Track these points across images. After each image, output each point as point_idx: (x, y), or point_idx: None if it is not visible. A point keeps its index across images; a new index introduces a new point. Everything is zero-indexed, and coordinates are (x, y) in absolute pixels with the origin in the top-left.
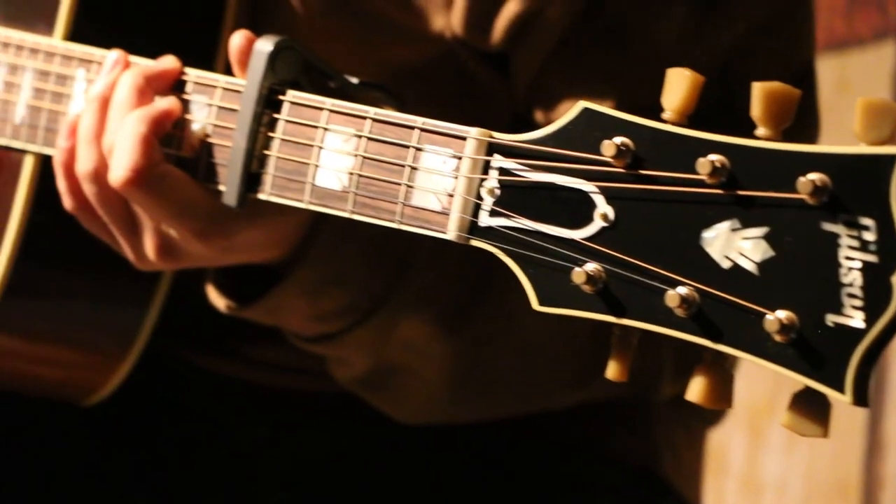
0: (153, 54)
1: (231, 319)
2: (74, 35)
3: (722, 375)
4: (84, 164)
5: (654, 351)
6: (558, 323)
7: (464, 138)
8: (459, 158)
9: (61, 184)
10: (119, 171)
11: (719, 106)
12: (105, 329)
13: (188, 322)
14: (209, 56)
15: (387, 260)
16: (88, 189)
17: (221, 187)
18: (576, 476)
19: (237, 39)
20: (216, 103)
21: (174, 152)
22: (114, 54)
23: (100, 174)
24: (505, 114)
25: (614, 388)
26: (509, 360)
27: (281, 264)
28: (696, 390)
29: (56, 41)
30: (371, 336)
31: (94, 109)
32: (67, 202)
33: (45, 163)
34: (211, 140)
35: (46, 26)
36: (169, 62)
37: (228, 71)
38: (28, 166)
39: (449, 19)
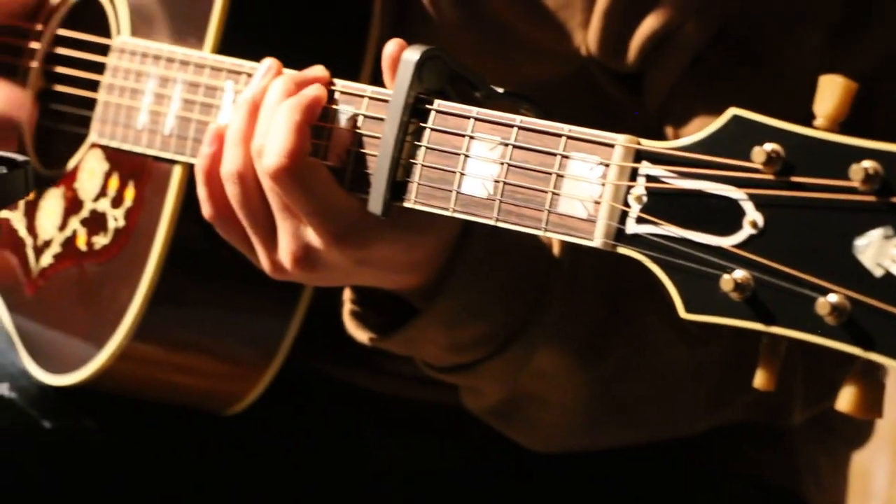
0: (300, 66)
1: None
2: (223, 48)
3: (873, 385)
4: (230, 165)
5: (787, 377)
6: (690, 350)
7: (611, 146)
8: (607, 166)
9: (201, 190)
10: (272, 158)
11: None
12: (249, 340)
13: (325, 334)
14: (355, 68)
15: (524, 292)
16: (231, 190)
17: (367, 195)
18: (716, 497)
19: (390, 47)
20: (363, 112)
21: (321, 161)
22: (267, 61)
23: (244, 175)
24: (636, 129)
25: (746, 413)
26: (643, 388)
27: (417, 296)
28: (846, 399)
29: (206, 54)
30: (506, 367)
31: (244, 112)
32: (206, 209)
33: (192, 173)
34: (358, 149)
35: (197, 40)
36: (318, 70)
37: (374, 82)
38: (176, 176)
39: (585, 39)
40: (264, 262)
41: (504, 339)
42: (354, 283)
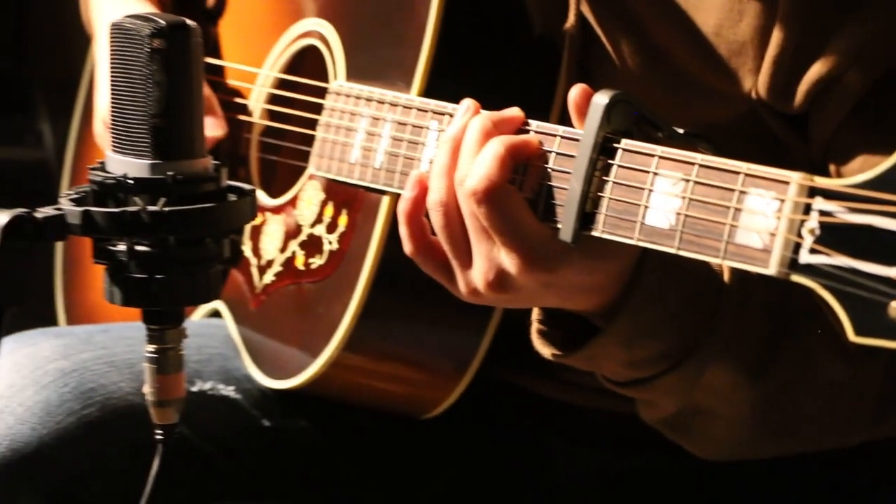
0: (497, 107)
1: None
2: (428, 91)
3: None
4: (435, 195)
5: None
6: (850, 368)
7: (787, 182)
8: (782, 201)
9: (403, 230)
10: (474, 181)
11: None
12: (446, 353)
13: (513, 348)
14: (546, 109)
15: (696, 313)
16: (435, 218)
17: (558, 225)
18: None
19: (575, 92)
20: (555, 150)
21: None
22: (466, 102)
23: (447, 204)
24: (801, 164)
25: None
26: (806, 404)
27: (598, 316)
28: None
29: (413, 97)
30: (679, 382)
31: (448, 149)
32: (408, 247)
33: (398, 202)
34: (550, 183)
35: (405, 84)
36: (514, 111)
37: (561, 121)
38: (385, 205)
39: (756, 83)
40: (461, 286)
41: (677, 357)
42: (541, 304)
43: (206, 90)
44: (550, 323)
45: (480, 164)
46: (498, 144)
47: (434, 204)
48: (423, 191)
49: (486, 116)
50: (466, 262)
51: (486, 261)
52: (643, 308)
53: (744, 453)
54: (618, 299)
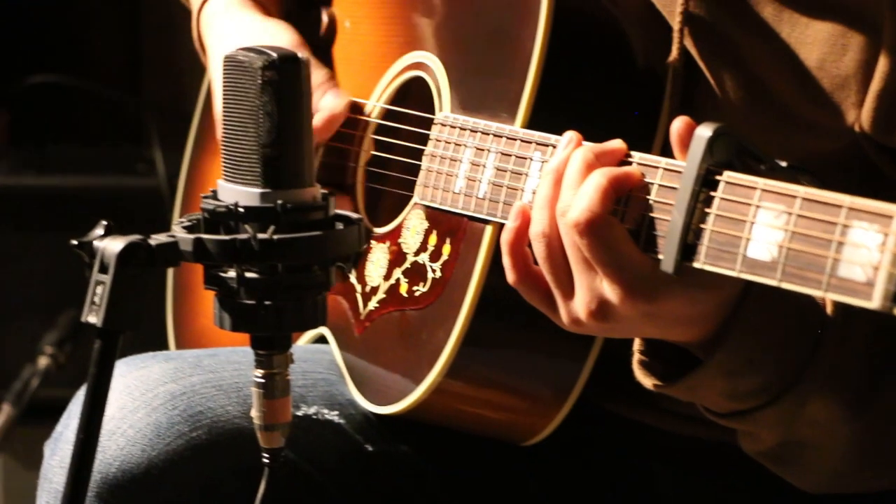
0: (600, 139)
1: None
2: (532, 123)
3: None
4: (537, 226)
5: None
6: None
7: (890, 216)
8: (886, 234)
9: (506, 260)
10: (577, 212)
11: None
12: (547, 380)
13: (614, 377)
14: (648, 140)
15: (797, 346)
16: (538, 248)
17: (660, 256)
18: None
19: (678, 124)
20: (657, 181)
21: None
22: (569, 134)
23: (549, 235)
24: None
25: None
26: None
27: (698, 348)
28: None
29: (517, 128)
30: (780, 415)
31: (550, 181)
32: (510, 276)
33: (501, 232)
34: (652, 214)
35: (508, 116)
36: (616, 143)
37: (663, 153)
38: (488, 235)
39: (859, 117)
40: (563, 316)
41: (778, 390)
42: (641, 335)
43: (322, 73)
44: (651, 353)
45: (583, 195)
46: (600, 176)
47: (536, 235)
48: (525, 221)
49: (589, 148)
50: (568, 292)
51: (588, 291)
52: (744, 340)
53: (847, 486)
54: (719, 331)
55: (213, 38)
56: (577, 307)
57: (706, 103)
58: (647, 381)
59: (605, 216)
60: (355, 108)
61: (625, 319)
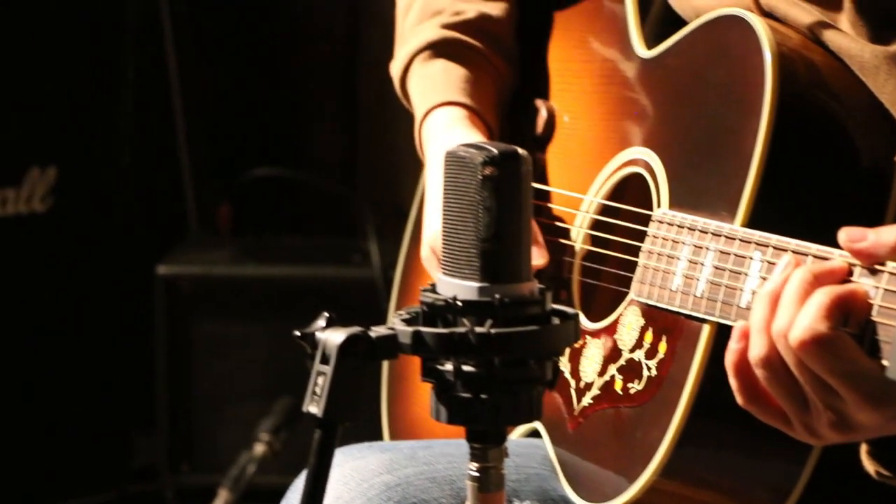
0: (823, 239)
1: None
2: (752, 221)
3: None
4: (756, 351)
5: None
6: None
7: None
8: None
9: (733, 382)
10: (800, 332)
11: None
12: (765, 481)
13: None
14: None
15: None
16: (761, 374)
17: (884, 361)
18: None
19: None
20: (882, 286)
21: (842, 328)
22: (787, 257)
23: (770, 358)
24: None
25: None
26: None
27: None
28: None
29: (736, 227)
30: None
31: (765, 304)
32: (740, 398)
33: (719, 331)
34: (875, 318)
35: (728, 214)
36: (837, 263)
37: None
38: (705, 335)
39: None
40: (799, 431)
41: None
42: (885, 434)
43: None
44: (881, 444)
45: (805, 315)
46: (823, 296)
47: (756, 360)
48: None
49: (808, 270)
50: (802, 408)
51: (825, 406)
52: None
53: None
54: None
55: (433, 150)
56: (814, 422)
57: None
58: (871, 468)
59: (830, 334)
60: (572, 203)
61: (868, 427)
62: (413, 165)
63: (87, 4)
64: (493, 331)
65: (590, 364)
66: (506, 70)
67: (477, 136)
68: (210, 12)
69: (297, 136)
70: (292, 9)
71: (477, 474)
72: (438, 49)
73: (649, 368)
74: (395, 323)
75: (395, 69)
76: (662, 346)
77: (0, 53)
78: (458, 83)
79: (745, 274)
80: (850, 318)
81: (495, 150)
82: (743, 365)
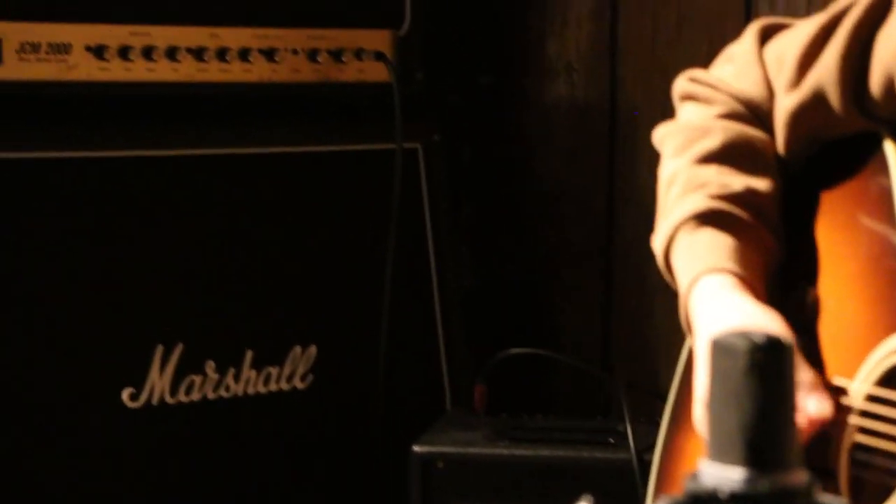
0: None
1: None
2: None
3: None
4: None
5: None
6: None
7: None
8: None
9: None
10: None
11: None
12: None
13: None
14: None
15: None
16: None
17: None
18: None
19: None
20: None
21: None
22: None
23: None
24: None
25: None
26: None
27: None
28: None
29: None
30: None
31: None
32: None
33: None
34: None
35: None
36: None
37: None
38: None
39: None
40: None
41: None
42: None
43: (808, 374)
44: None
45: None
46: None
47: None
48: None
49: None
50: None
51: None
52: None
53: None
54: None
55: (702, 318)
56: None
57: None
58: None
59: None
60: (839, 391)
61: None
62: (669, 348)
63: (355, 190)
64: None
65: None
66: (773, 244)
67: (749, 303)
68: (468, 189)
69: (551, 315)
70: (549, 188)
71: None
72: (705, 218)
73: None
74: None
75: (658, 241)
76: None
77: (274, 245)
78: (727, 251)
79: None
80: None
81: (760, 339)
82: None
